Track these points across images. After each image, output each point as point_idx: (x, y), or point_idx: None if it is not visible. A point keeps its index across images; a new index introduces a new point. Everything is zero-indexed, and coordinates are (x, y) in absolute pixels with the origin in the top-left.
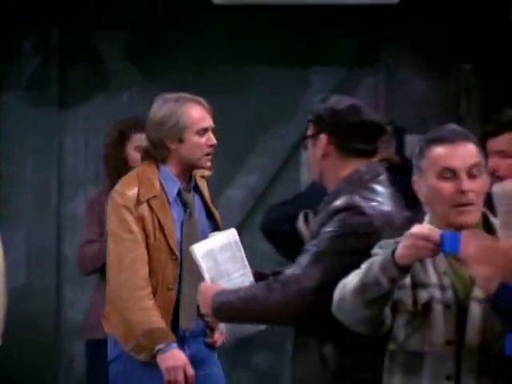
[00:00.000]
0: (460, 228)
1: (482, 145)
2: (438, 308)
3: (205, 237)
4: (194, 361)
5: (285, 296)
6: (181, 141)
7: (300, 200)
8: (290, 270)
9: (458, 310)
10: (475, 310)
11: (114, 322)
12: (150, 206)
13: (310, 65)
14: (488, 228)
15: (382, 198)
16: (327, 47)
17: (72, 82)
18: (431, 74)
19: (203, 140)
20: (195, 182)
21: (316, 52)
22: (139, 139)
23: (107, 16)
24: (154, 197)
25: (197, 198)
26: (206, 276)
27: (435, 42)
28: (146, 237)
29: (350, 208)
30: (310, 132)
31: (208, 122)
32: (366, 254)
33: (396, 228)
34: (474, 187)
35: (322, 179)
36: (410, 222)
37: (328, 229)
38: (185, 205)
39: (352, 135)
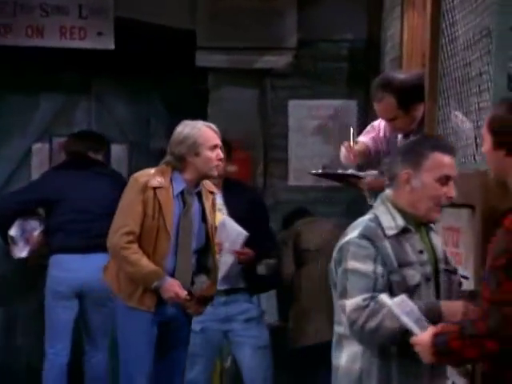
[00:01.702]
0: (430, 221)
1: None
2: (421, 281)
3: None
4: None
5: None
6: (197, 155)
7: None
8: None
9: (434, 280)
10: (444, 279)
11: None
12: (155, 193)
13: (39, 92)
14: None
15: None
16: (53, 79)
17: None
18: (129, 101)
19: (214, 154)
20: (201, 192)
21: (44, 82)
22: None
23: None
24: (161, 187)
25: (197, 203)
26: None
27: (131, 78)
28: (145, 216)
29: None
30: None
31: (217, 141)
32: None
33: None
34: None
35: None
36: None
37: None
38: (184, 203)
39: None
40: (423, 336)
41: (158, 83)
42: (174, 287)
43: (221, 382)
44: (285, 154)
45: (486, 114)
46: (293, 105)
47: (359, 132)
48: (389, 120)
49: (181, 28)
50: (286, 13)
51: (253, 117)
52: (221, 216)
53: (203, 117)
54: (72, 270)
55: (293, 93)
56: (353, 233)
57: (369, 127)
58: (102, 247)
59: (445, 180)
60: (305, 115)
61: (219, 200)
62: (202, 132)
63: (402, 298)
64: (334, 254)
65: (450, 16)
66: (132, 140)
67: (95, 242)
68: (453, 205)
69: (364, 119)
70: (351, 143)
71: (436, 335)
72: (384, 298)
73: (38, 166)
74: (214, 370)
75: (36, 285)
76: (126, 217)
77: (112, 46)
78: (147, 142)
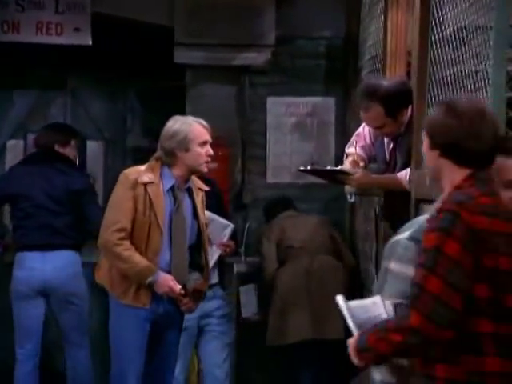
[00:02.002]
0: None
1: None
2: None
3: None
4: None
5: None
6: (187, 150)
7: None
8: None
9: None
10: None
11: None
12: (145, 189)
13: (13, 88)
14: None
15: None
16: (28, 75)
17: None
18: (105, 98)
19: (203, 150)
20: (191, 188)
21: (19, 78)
22: None
23: None
24: (152, 183)
25: (187, 199)
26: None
27: (108, 74)
28: (136, 213)
29: None
30: None
31: (207, 137)
32: None
33: None
34: None
35: None
36: None
37: None
38: (175, 198)
39: None
40: (353, 338)
41: (135, 80)
42: (168, 282)
43: (198, 381)
44: (263, 151)
45: None
46: (271, 102)
47: (338, 129)
48: (377, 128)
49: (159, 24)
50: (265, 10)
51: (231, 114)
52: None
53: (181, 114)
54: (31, 268)
55: (271, 90)
56: (405, 233)
57: (354, 137)
58: (62, 245)
59: (509, 184)
60: (283, 112)
61: None
62: (192, 128)
63: (374, 300)
64: (385, 250)
65: (439, 14)
66: (108, 137)
67: (55, 240)
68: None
69: (342, 116)
70: (355, 157)
71: (361, 335)
72: (339, 299)
73: (13, 162)
74: (192, 369)
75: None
76: (117, 213)
77: (89, 42)
78: (123, 139)
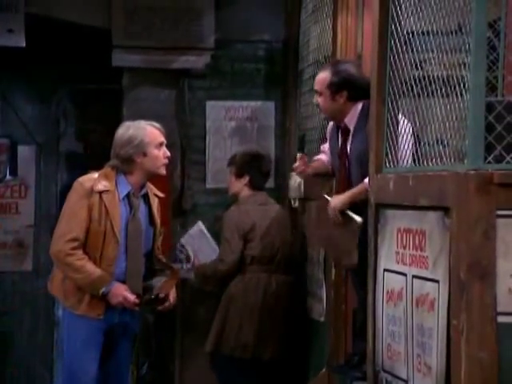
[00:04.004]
0: None
1: None
2: None
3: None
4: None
5: None
6: (145, 154)
7: None
8: None
9: None
10: None
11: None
12: (100, 197)
13: None
14: None
15: None
16: None
17: None
18: (37, 99)
19: (161, 152)
20: (147, 195)
21: None
22: None
23: None
24: (107, 191)
25: (143, 206)
26: None
27: (41, 78)
28: (90, 222)
29: None
30: None
31: (162, 138)
32: None
33: None
34: None
35: None
36: None
37: None
38: (131, 206)
39: None
40: None
41: (69, 82)
42: (122, 292)
43: None
44: (202, 156)
45: (459, 115)
46: (210, 106)
47: (278, 133)
48: (316, 92)
49: (96, 26)
50: (204, 13)
51: (170, 118)
52: None
53: (118, 117)
54: None
55: (210, 94)
56: None
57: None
58: None
59: None
60: (222, 116)
61: None
62: (147, 131)
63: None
64: None
65: (399, 18)
66: (40, 141)
67: None
68: (412, 207)
69: (282, 120)
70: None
71: None
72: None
73: None
74: (131, 377)
75: None
76: (71, 223)
77: (23, 44)
78: (56, 143)
